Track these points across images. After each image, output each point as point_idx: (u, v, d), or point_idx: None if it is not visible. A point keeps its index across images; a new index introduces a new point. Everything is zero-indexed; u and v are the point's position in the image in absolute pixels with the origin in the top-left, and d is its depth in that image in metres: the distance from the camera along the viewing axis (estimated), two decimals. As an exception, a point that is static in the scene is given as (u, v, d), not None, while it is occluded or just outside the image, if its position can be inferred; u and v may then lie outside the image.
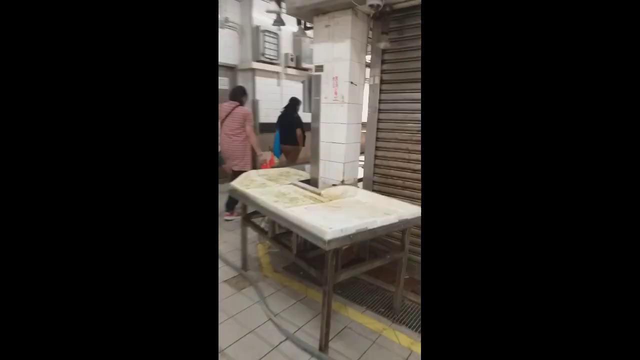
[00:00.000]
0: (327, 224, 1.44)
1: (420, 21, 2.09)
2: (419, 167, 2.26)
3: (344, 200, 2.08)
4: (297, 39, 5.24)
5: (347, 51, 2.15)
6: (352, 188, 2.26)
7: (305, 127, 3.69)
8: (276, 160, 4.06)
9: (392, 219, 1.65)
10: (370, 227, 1.54)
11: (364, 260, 1.83)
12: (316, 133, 2.44)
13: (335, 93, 2.27)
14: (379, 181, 2.49)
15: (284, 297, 2.14)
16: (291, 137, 4.15)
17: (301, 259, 1.77)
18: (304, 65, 5.45)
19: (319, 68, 2.31)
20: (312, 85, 2.39)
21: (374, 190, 2.49)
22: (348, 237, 1.43)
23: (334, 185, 2.42)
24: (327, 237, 1.37)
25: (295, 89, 5.23)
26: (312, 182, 2.57)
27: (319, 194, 2.19)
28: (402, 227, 1.72)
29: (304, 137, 4.17)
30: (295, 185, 2.43)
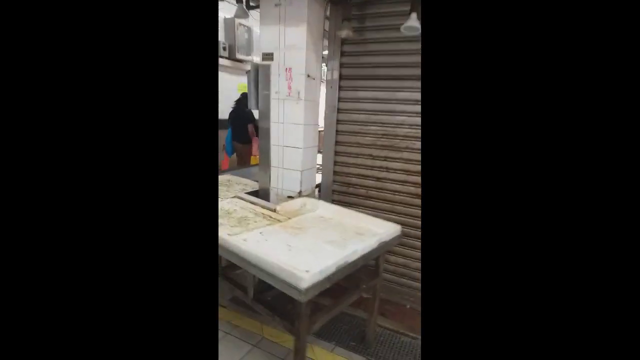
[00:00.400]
0: (299, 265, 1.08)
1: (384, 10, 1.85)
2: (383, 175, 2.03)
3: (304, 218, 1.74)
4: (229, 24, 4.65)
5: (303, 38, 1.79)
6: (311, 201, 1.93)
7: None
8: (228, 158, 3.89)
9: (372, 244, 1.37)
10: (351, 259, 1.23)
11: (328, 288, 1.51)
12: (266, 135, 2.03)
13: (289, 87, 1.89)
14: (339, 190, 2.20)
15: (234, 342, 1.70)
16: (244, 133, 3.95)
17: (260, 303, 1.37)
18: (239, 56, 4.90)
19: (268, 56, 1.90)
20: (259, 77, 1.96)
21: (333, 201, 2.19)
22: (327, 279, 1.09)
23: (289, 197, 2.05)
24: (304, 284, 1.01)
25: (228, 82, 4.69)
26: (262, 193, 2.16)
27: (274, 210, 1.80)
28: (382, 251, 1.45)
29: (257, 133, 4.19)
30: (241, 198, 1.99)
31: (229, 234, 1.44)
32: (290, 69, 1.87)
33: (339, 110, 2.09)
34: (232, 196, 2.04)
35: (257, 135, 4.07)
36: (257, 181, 2.43)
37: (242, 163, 3.99)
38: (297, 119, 1.92)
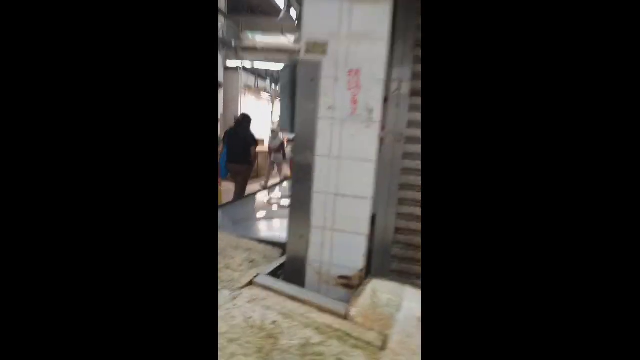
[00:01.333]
0: None
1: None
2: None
3: (404, 331, 0.97)
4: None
5: (385, 22, 1.10)
6: (384, 285, 1.17)
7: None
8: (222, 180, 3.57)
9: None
10: None
11: None
12: (306, 175, 1.23)
13: (354, 101, 1.16)
14: (403, 256, 1.47)
15: None
16: (244, 155, 3.60)
17: None
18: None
19: (318, 48, 1.15)
20: (299, 81, 1.18)
21: (392, 271, 1.46)
22: None
23: (341, 278, 1.25)
24: None
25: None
26: (292, 271, 1.30)
27: (345, 317, 0.99)
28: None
29: (257, 154, 3.80)
30: (267, 288, 1.11)
31: None
32: (357, 71, 1.14)
33: (407, 140, 1.41)
34: (244, 284, 1.14)
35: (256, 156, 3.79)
36: (267, 243, 1.57)
37: (239, 188, 3.58)
38: (365, 153, 1.18)
